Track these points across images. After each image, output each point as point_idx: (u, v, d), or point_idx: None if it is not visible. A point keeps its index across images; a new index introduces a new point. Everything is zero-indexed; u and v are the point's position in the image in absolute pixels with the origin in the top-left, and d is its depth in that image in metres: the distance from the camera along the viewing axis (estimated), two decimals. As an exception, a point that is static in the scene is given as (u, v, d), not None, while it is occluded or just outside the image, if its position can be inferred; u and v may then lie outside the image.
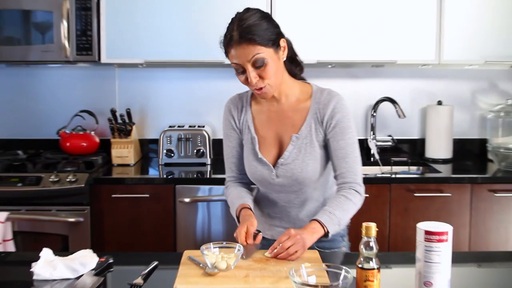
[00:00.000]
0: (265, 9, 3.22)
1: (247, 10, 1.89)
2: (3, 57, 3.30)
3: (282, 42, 1.90)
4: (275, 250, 1.77)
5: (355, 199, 1.93)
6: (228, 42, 1.86)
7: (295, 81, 2.04)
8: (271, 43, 1.85)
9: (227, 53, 1.90)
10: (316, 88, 2.02)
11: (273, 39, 1.86)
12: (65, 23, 3.20)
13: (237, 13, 1.90)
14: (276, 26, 1.90)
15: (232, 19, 1.89)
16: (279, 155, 2.01)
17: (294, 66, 2.06)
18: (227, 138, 2.11)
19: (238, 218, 2.00)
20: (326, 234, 1.85)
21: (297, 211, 2.05)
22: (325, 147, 1.99)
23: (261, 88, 1.89)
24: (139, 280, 1.62)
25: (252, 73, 1.85)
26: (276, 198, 2.06)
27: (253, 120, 2.06)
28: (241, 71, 1.88)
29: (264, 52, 1.84)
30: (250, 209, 2.00)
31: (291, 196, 2.03)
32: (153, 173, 3.43)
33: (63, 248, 3.04)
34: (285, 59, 1.94)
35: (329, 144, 1.97)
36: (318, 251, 1.91)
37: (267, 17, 1.88)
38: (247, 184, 2.15)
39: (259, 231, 1.93)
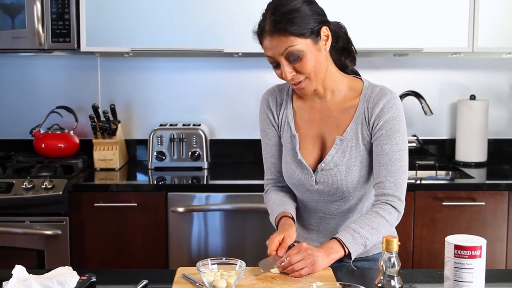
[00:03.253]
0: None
1: None
2: (-34, 45, 3.31)
3: (325, 31, 1.91)
4: (283, 264, 1.79)
5: (390, 217, 1.91)
6: (260, 33, 1.89)
7: (344, 75, 2.04)
8: (309, 33, 1.86)
9: (261, 44, 1.93)
10: (368, 84, 2.01)
11: (312, 28, 1.87)
12: (38, 5, 3.22)
13: None
14: (319, 12, 1.91)
15: (268, 4, 1.91)
16: (320, 158, 2.02)
17: (344, 56, 2.05)
18: (265, 135, 2.13)
19: (277, 227, 2.01)
20: (348, 255, 1.85)
21: (337, 224, 2.06)
22: (372, 152, 1.99)
23: (299, 83, 1.91)
24: (126, 302, 1.64)
25: (286, 67, 1.88)
26: (314, 208, 2.07)
27: (294, 117, 2.07)
28: (275, 65, 1.91)
29: (300, 44, 1.85)
30: (292, 218, 2.01)
31: (332, 206, 2.04)
32: (141, 178, 3.44)
33: (38, 265, 3.06)
34: (328, 49, 1.94)
35: (373, 148, 1.96)
36: (356, 269, 1.95)
37: (302, 6, 1.88)
38: (289, 188, 2.16)
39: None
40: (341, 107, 2.01)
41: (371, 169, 2.00)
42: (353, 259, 1.87)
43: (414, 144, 3.72)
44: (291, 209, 2.04)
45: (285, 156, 2.08)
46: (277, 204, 2.07)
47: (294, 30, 1.84)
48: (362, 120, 1.97)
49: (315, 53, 1.89)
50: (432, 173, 3.59)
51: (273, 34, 1.85)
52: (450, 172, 3.60)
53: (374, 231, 1.88)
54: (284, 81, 2.07)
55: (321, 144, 2.03)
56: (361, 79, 2.06)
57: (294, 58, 1.86)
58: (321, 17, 1.91)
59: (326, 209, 2.05)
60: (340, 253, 1.83)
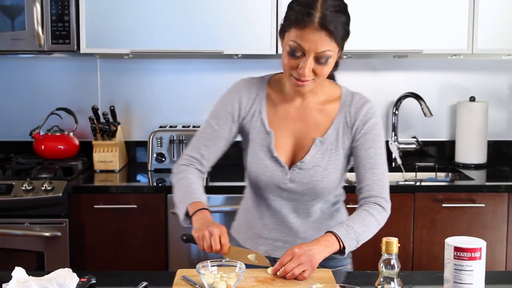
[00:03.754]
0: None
1: None
2: (-35, 47, 3.31)
3: (346, 43, 1.92)
4: (278, 273, 1.78)
5: (379, 216, 1.95)
6: (303, 20, 1.81)
7: (325, 79, 2.05)
8: (342, 43, 1.87)
9: (289, 27, 1.85)
10: (346, 91, 2.05)
11: (344, 38, 1.87)
12: (38, 6, 3.22)
13: None
14: (350, 21, 1.90)
15: None
16: (294, 157, 2.02)
17: None
18: (215, 118, 2.06)
19: (188, 214, 1.94)
20: (341, 250, 1.86)
21: (300, 223, 2.06)
22: (348, 156, 2.02)
23: (306, 81, 1.89)
24: (126, 304, 1.64)
25: (309, 65, 1.84)
26: (279, 207, 2.05)
27: (267, 112, 2.04)
28: (299, 54, 1.85)
29: (333, 51, 1.85)
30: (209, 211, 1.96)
31: (298, 206, 2.04)
32: (141, 180, 3.44)
33: (38, 267, 3.05)
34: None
35: (356, 152, 1.99)
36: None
37: (346, 9, 1.87)
38: (204, 174, 2.11)
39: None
40: (320, 109, 2.02)
41: (344, 172, 2.04)
42: (346, 255, 1.88)
43: (414, 146, 3.73)
44: (204, 200, 1.99)
45: (255, 153, 2.04)
46: (196, 188, 2.00)
47: (338, 36, 1.83)
48: (343, 124, 2.00)
49: (334, 61, 1.91)
50: (431, 174, 3.59)
51: (320, 30, 1.80)
52: (450, 174, 3.61)
53: (366, 228, 1.91)
54: (260, 75, 2.07)
55: (295, 142, 2.02)
56: (337, 84, 2.08)
57: (322, 61, 1.85)
58: (349, 27, 1.91)
59: (291, 208, 2.05)
60: (335, 247, 1.84)
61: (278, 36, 1.97)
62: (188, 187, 2.01)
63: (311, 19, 1.80)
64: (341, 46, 1.89)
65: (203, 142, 2.07)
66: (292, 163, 2.01)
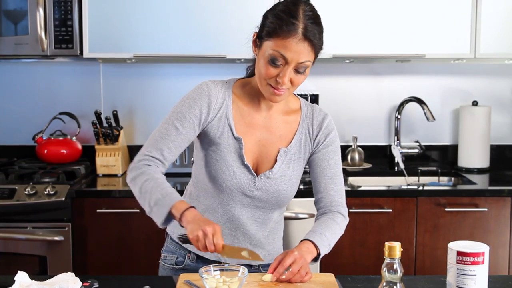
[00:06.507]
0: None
1: (309, 1, 1.89)
2: (-32, 51, 3.31)
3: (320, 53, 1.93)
4: (283, 276, 1.78)
5: (342, 224, 2.03)
6: (288, 31, 1.81)
7: None
8: (318, 54, 1.89)
9: (271, 36, 1.85)
10: (305, 102, 2.09)
11: (321, 49, 1.89)
12: (41, 11, 3.23)
13: None
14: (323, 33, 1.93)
15: (299, 3, 1.85)
16: (259, 165, 2.02)
17: None
18: (182, 119, 1.97)
19: (171, 215, 1.88)
20: (316, 257, 1.91)
21: (256, 230, 2.06)
22: (304, 166, 2.08)
23: (282, 90, 1.88)
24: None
25: (289, 74, 1.85)
26: (238, 213, 2.03)
27: (233, 118, 2.01)
28: (279, 63, 1.84)
29: (311, 61, 1.87)
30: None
31: (257, 213, 2.05)
32: (143, 184, 3.45)
33: (40, 271, 3.05)
34: None
35: (317, 162, 2.05)
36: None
37: (321, 20, 1.89)
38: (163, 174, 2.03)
39: None
40: (284, 119, 2.05)
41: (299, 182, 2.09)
42: (319, 260, 1.93)
43: (416, 150, 3.73)
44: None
45: (223, 159, 1.98)
46: (170, 188, 1.94)
47: (318, 47, 1.86)
48: (305, 136, 2.05)
49: (308, 71, 1.91)
50: (434, 179, 3.59)
51: (304, 41, 1.82)
52: (453, 178, 3.60)
53: (334, 235, 1.99)
54: (221, 80, 2.05)
55: (260, 150, 2.02)
56: (295, 95, 2.10)
57: (300, 71, 1.86)
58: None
59: (250, 215, 2.04)
60: (314, 254, 1.90)
61: (252, 44, 1.96)
62: (162, 187, 1.92)
63: (296, 30, 1.81)
64: (316, 57, 1.90)
65: (166, 144, 1.98)
66: (257, 171, 2.02)
